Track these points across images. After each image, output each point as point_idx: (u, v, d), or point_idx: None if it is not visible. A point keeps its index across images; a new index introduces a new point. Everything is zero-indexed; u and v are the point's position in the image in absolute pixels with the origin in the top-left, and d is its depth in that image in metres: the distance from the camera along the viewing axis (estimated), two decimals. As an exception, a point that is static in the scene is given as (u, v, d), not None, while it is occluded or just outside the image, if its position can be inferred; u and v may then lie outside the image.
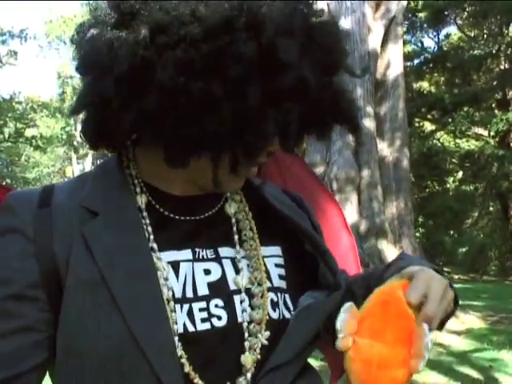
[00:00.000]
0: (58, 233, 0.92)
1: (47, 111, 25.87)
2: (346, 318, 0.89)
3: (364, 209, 9.07)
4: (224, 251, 1.00)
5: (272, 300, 0.99)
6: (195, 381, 0.89)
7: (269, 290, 0.99)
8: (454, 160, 20.83)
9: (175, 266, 0.95)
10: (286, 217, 1.06)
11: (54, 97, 29.63)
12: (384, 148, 9.77)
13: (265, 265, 1.02)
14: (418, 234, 14.92)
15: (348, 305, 0.91)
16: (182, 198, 1.01)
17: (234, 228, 1.03)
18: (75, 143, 28.64)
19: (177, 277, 0.94)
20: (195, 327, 0.91)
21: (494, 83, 20.19)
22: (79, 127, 1.02)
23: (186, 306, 0.92)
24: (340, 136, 9.27)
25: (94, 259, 0.90)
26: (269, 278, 1.01)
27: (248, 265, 1.00)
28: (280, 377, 0.93)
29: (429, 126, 21.94)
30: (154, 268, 0.92)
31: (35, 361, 0.90)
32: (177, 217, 1.00)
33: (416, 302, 0.91)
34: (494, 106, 20.08)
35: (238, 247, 1.01)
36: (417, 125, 20.37)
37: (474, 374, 6.40)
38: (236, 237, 1.02)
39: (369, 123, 9.36)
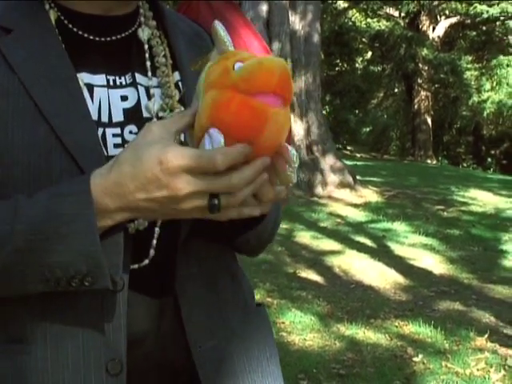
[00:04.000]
0: None
1: None
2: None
3: (273, 82, 9.01)
4: (139, 78, 0.99)
5: None
6: None
7: None
8: (364, 40, 20.93)
9: (90, 89, 0.93)
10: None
11: None
12: (296, 21, 9.63)
13: (179, 89, 1.01)
14: (324, 112, 15.11)
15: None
16: (92, 17, 0.97)
17: (147, 54, 1.00)
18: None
19: (91, 100, 0.93)
20: (107, 152, 0.91)
21: (409, -38, 20.04)
22: None
23: (100, 130, 0.91)
24: (252, 7, 9.05)
25: (11, 69, 0.88)
26: (182, 103, 1.00)
27: (161, 92, 0.99)
28: None
29: (341, 4, 21.74)
30: (76, 79, 0.91)
31: None
32: (90, 36, 0.97)
33: None
34: (406, -14, 20.03)
35: (149, 74, 0.99)
36: (330, 1, 20.11)
37: (368, 242, 6.77)
38: (148, 63, 0.99)
39: (282, -6, 9.14)
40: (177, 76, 1.02)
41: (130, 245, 0.86)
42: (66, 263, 0.78)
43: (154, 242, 0.93)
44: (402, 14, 21.16)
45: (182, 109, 0.98)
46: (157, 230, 0.93)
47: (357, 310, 4.77)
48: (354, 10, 21.88)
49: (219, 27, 0.80)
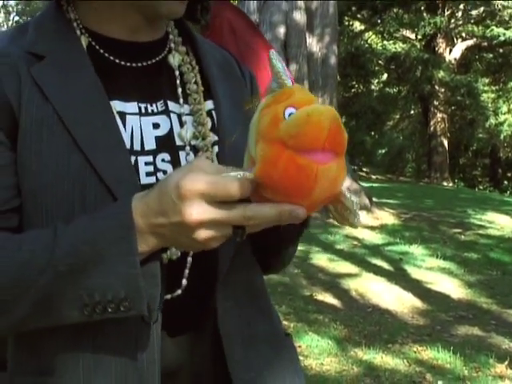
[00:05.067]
0: (5, 76, 0.88)
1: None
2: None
3: (290, 104, 9.03)
4: (171, 105, 0.98)
5: (217, 153, 0.97)
6: None
7: (214, 143, 0.98)
8: (380, 62, 20.96)
9: (122, 117, 0.93)
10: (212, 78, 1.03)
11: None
12: (313, 43, 9.67)
13: (212, 117, 0.99)
14: (340, 133, 15.05)
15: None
16: (123, 43, 0.98)
17: (178, 81, 1.00)
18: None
19: (124, 128, 0.92)
20: (139, 180, 0.90)
21: (425, -15, 20.10)
22: None
23: (132, 158, 0.91)
24: (269, 29, 9.11)
25: (46, 98, 0.88)
26: (214, 131, 0.99)
27: (193, 119, 0.98)
28: None
29: (358, 26, 21.84)
30: (109, 107, 0.91)
31: (12, 205, 0.88)
32: (122, 62, 0.97)
33: None
34: (423, 9, 20.07)
35: (181, 101, 0.98)
36: (346, 24, 20.20)
37: (385, 265, 6.72)
38: (180, 90, 0.99)
39: (299, 17, 9.19)
40: (210, 104, 1.01)
41: (163, 275, 0.85)
42: (105, 286, 0.77)
43: (187, 271, 0.92)
44: (419, 37, 21.19)
45: (216, 138, 0.98)
46: (189, 259, 0.92)
47: (374, 334, 4.72)
48: (371, 33, 21.96)
49: (275, 59, 0.77)
